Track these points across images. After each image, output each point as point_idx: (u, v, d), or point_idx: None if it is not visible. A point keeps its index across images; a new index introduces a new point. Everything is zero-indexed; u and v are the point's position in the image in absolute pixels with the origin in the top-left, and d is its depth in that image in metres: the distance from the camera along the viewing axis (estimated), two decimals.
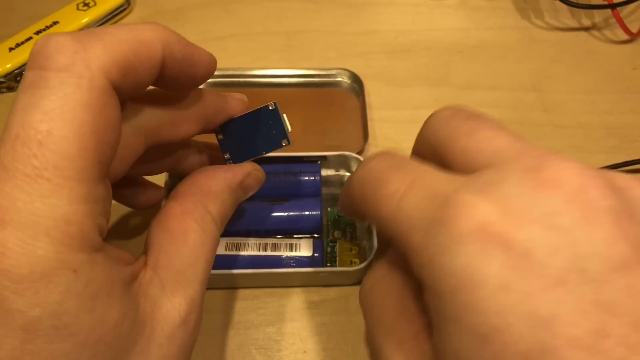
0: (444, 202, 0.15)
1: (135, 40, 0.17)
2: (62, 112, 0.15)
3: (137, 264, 0.19)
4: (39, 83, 0.16)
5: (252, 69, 0.37)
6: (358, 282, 0.29)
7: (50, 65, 0.16)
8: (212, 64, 0.22)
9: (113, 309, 0.16)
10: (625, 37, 0.41)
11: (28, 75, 0.16)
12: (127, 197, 0.27)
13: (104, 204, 0.17)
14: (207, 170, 0.23)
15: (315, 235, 0.30)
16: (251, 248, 0.28)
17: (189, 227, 0.21)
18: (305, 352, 0.27)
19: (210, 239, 0.21)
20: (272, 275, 0.28)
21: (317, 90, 0.37)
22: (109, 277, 0.17)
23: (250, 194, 0.25)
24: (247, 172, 0.24)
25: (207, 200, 0.22)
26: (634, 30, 0.40)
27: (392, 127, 0.36)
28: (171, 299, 0.19)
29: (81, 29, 0.39)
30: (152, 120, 0.21)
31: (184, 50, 0.20)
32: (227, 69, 0.37)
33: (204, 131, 0.24)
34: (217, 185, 0.22)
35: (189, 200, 0.22)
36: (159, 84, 0.20)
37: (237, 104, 0.24)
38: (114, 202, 0.20)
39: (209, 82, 0.37)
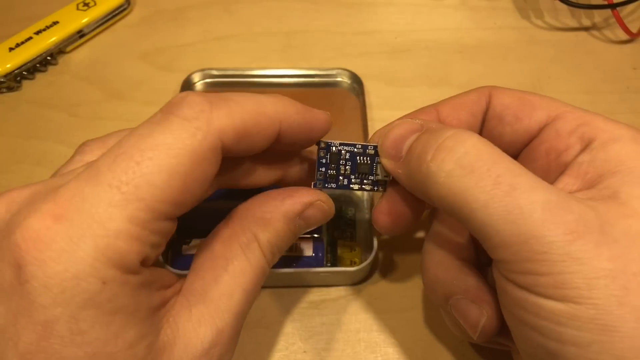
0: None
1: (257, 111, 0.19)
2: (169, 148, 0.17)
3: (172, 289, 0.19)
4: (163, 122, 0.17)
5: (252, 69, 0.37)
6: (358, 282, 0.29)
7: (178, 112, 0.18)
8: (328, 123, 0.22)
9: (131, 329, 0.16)
10: (625, 37, 0.41)
11: (157, 115, 0.18)
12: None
13: (159, 239, 0.17)
14: (266, 195, 0.22)
15: (315, 235, 0.30)
16: None
17: (233, 253, 0.20)
18: (305, 352, 0.27)
19: (253, 269, 0.20)
20: (272, 275, 0.28)
21: (317, 90, 0.37)
22: (135, 300, 0.17)
23: (315, 226, 0.23)
24: (309, 202, 0.22)
25: (257, 227, 0.20)
26: (634, 30, 0.40)
27: None
28: (196, 328, 0.18)
29: (81, 29, 0.39)
30: (229, 173, 0.22)
31: (302, 118, 0.21)
32: (227, 69, 0.37)
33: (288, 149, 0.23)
34: (272, 213, 0.21)
35: (238, 224, 0.20)
36: (274, 147, 0.21)
37: (319, 131, 0.22)
38: None
39: (208, 82, 0.37)
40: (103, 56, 0.40)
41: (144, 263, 0.17)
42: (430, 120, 0.23)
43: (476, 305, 0.22)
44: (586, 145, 0.20)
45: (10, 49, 0.37)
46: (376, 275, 0.30)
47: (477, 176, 0.18)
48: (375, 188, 0.24)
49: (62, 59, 0.39)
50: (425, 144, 0.20)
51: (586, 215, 0.17)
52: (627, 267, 0.16)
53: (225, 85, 0.37)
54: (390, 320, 0.28)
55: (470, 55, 0.40)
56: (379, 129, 0.24)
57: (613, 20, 0.40)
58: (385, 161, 0.22)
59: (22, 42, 0.37)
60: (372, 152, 0.23)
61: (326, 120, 0.22)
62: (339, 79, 0.37)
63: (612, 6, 0.39)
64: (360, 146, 0.23)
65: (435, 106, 0.25)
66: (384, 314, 0.28)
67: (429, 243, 0.25)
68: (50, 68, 0.39)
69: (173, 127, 0.17)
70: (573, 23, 0.42)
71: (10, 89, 0.37)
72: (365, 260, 0.28)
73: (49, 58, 0.38)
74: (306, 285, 0.29)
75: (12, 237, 0.16)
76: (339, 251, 0.30)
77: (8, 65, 0.36)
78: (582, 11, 0.42)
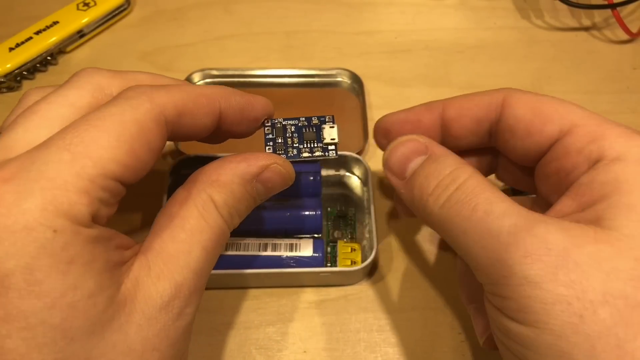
0: None
1: (195, 92, 0.21)
2: (114, 116, 0.18)
3: (131, 250, 0.20)
4: (111, 102, 0.19)
5: (252, 69, 0.37)
6: (358, 282, 0.29)
7: (122, 95, 0.20)
8: (269, 105, 0.24)
9: (90, 280, 0.17)
10: (625, 37, 0.41)
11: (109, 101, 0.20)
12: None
13: (108, 197, 0.18)
14: (222, 160, 0.22)
15: (315, 235, 0.30)
16: (251, 248, 0.28)
17: (189, 213, 0.20)
18: (305, 352, 0.27)
19: (210, 227, 0.21)
20: (272, 275, 0.28)
21: (317, 90, 0.37)
22: (90, 251, 0.17)
23: (274, 190, 0.23)
24: (264, 164, 0.22)
25: (212, 189, 0.21)
26: (634, 30, 0.40)
27: None
28: (155, 282, 0.19)
29: (81, 29, 0.39)
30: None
31: (241, 98, 0.23)
32: (227, 69, 0.37)
33: (230, 135, 0.24)
34: (226, 175, 0.22)
35: (194, 187, 0.21)
36: (225, 133, 0.24)
37: (261, 109, 0.24)
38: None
39: (208, 82, 0.37)
40: (103, 56, 0.40)
41: (96, 219, 0.18)
42: (434, 143, 0.23)
43: (485, 318, 0.22)
44: (592, 165, 0.20)
45: (10, 49, 0.37)
46: (376, 275, 0.30)
47: (460, 206, 0.20)
48: (326, 153, 0.25)
49: (62, 59, 0.39)
50: (428, 177, 0.22)
51: (551, 239, 0.18)
52: (584, 294, 0.17)
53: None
54: (390, 320, 0.28)
55: (470, 55, 0.40)
56: (381, 121, 0.25)
57: (613, 20, 0.40)
58: (390, 176, 0.24)
59: (22, 42, 0.37)
60: (317, 122, 0.25)
61: (266, 102, 0.24)
62: (339, 79, 0.37)
63: (612, 6, 0.39)
64: (304, 119, 0.25)
65: (443, 103, 0.25)
66: (384, 314, 0.28)
67: None
68: (50, 68, 0.39)
69: (118, 103, 0.19)
70: (573, 23, 0.42)
71: (10, 89, 0.37)
72: (365, 260, 0.28)
73: (49, 58, 0.38)
74: (306, 285, 0.29)
75: None
76: (339, 251, 0.30)
77: (8, 65, 0.36)
78: (582, 11, 0.42)
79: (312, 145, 0.24)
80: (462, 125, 0.24)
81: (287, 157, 0.24)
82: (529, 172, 0.24)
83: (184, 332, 0.20)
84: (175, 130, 0.21)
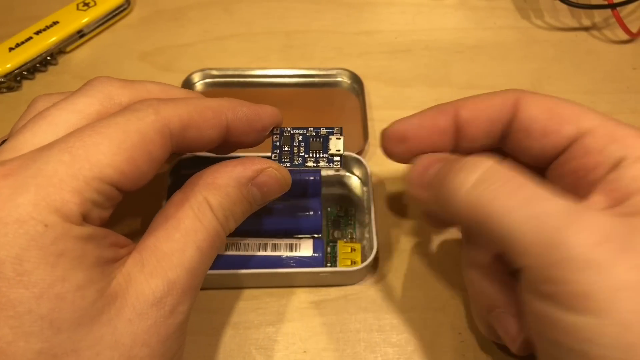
0: None
1: (202, 105, 0.22)
2: (118, 125, 0.19)
3: (126, 249, 0.20)
4: (119, 112, 0.20)
5: (252, 69, 0.37)
6: (358, 282, 0.29)
7: (130, 107, 0.20)
8: (276, 113, 0.25)
9: (79, 273, 0.17)
10: (625, 37, 0.41)
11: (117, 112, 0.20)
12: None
13: (103, 200, 0.18)
14: (218, 164, 0.23)
15: (315, 235, 0.30)
16: (251, 248, 0.28)
17: (185, 214, 0.21)
18: (305, 352, 0.27)
19: (205, 228, 0.21)
20: (272, 275, 0.28)
21: (317, 90, 0.37)
22: (81, 247, 0.17)
23: (270, 195, 0.24)
24: (259, 168, 0.23)
25: (207, 191, 0.21)
26: (634, 30, 0.40)
27: None
28: (148, 279, 0.19)
29: (81, 29, 0.39)
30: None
31: (248, 109, 0.23)
32: (227, 69, 0.37)
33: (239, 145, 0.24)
34: (222, 178, 0.22)
35: (190, 190, 0.22)
36: (233, 143, 0.24)
37: (268, 118, 0.24)
38: None
39: (208, 82, 0.37)
40: (103, 56, 0.40)
41: (87, 219, 0.18)
42: (450, 155, 0.24)
43: (517, 320, 0.22)
44: (615, 164, 0.20)
45: (10, 49, 0.37)
46: (376, 276, 0.30)
47: (500, 186, 0.19)
48: (331, 164, 0.25)
49: (62, 59, 0.39)
50: (447, 166, 0.22)
51: (609, 225, 0.17)
52: None
53: (225, 85, 0.37)
54: (390, 320, 0.28)
55: (470, 55, 0.40)
56: (394, 128, 0.25)
57: (613, 20, 0.40)
58: (413, 190, 0.24)
59: (22, 42, 0.37)
60: (325, 132, 0.25)
61: (274, 111, 0.24)
62: (339, 79, 0.37)
63: (612, 6, 0.39)
64: (312, 129, 0.25)
65: (455, 105, 0.24)
66: (384, 314, 0.28)
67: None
68: (50, 68, 0.39)
69: (125, 114, 0.20)
70: (573, 23, 0.42)
71: (10, 89, 0.37)
72: (365, 260, 0.28)
73: (49, 58, 0.38)
74: (306, 285, 0.29)
75: None
76: (339, 251, 0.30)
77: (8, 65, 0.36)
78: (582, 11, 0.42)
79: (317, 155, 0.25)
80: (476, 126, 0.24)
81: (292, 165, 0.25)
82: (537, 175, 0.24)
83: (177, 330, 0.20)
84: (180, 143, 0.21)
